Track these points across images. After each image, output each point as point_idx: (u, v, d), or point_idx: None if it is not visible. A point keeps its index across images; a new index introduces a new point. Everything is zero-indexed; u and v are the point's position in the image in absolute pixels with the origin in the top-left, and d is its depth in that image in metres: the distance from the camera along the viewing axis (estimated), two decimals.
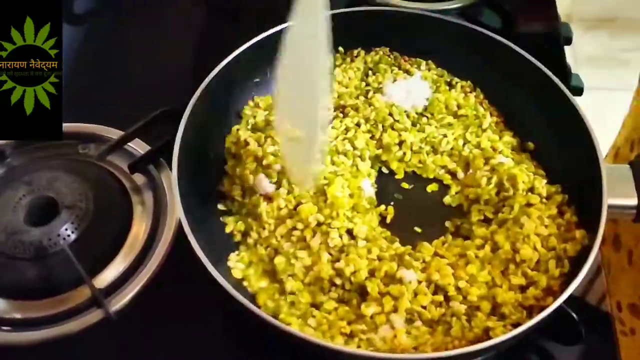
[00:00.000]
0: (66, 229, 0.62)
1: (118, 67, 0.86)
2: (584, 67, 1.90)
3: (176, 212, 0.66)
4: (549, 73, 0.68)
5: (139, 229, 0.66)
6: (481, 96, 0.75)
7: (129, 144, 0.71)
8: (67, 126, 0.67)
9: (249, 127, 0.71)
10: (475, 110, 0.73)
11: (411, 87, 0.75)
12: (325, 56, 0.58)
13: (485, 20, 0.87)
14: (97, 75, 0.85)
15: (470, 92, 0.75)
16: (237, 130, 0.71)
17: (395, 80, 0.75)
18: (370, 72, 0.77)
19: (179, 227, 0.65)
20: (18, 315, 0.61)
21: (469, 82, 0.76)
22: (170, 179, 0.68)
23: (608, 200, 0.59)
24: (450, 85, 0.76)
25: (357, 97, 0.74)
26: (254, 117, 0.72)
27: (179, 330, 0.62)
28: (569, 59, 0.83)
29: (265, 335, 0.56)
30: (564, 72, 0.73)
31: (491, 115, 0.73)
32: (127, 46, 0.89)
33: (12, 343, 0.59)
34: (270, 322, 0.53)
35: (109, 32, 0.91)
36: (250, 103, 0.74)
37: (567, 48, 0.85)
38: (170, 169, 0.69)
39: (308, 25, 0.58)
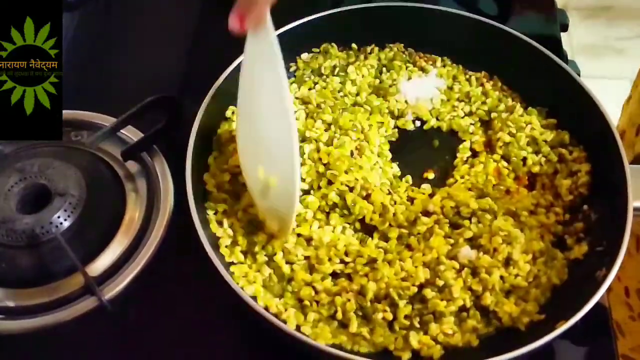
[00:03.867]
0: (59, 217, 0.62)
1: (110, 54, 0.85)
2: (580, 55, 1.90)
3: (169, 199, 0.66)
4: (574, 74, 0.68)
5: (132, 217, 0.66)
6: (499, 83, 0.75)
7: (121, 131, 0.70)
8: None
9: None
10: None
11: (426, 84, 0.74)
12: (286, 94, 0.55)
13: (482, 7, 0.86)
14: (90, 63, 0.84)
15: (488, 81, 0.75)
16: (233, 112, 0.70)
17: (410, 77, 0.75)
18: (384, 69, 0.76)
19: (173, 214, 0.65)
20: (11, 303, 0.60)
21: (483, 72, 0.76)
22: (164, 166, 0.68)
23: (633, 202, 0.58)
24: (466, 80, 0.76)
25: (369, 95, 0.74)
26: None
27: (172, 317, 0.62)
28: (565, 47, 0.83)
29: (265, 330, 0.56)
30: (561, 59, 0.72)
31: (513, 100, 0.73)
32: (119, 33, 0.88)
33: (5, 331, 0.59)
34: (288, 332, 0.53)
35: (102, 19, 0.90)
36: None
37: (563, 36, 0.84)
38: (164, 157, 0.69)
39: (262, 64, 0.55)
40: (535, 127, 0.69)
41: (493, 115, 0.72)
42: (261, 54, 0.55)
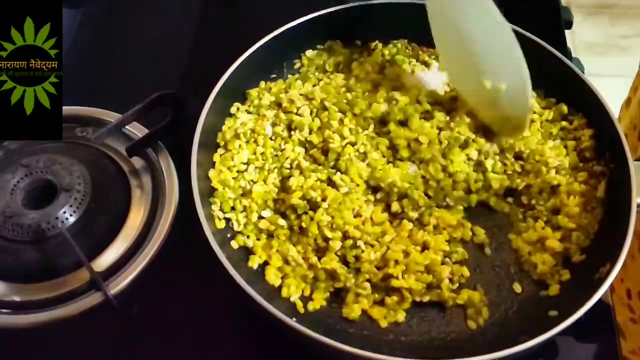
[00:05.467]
0: (64, 212, 0.62)
1: (115, 50, 0.85)
2: (584, 53, 1.90)
3: (175, 195, 0.66)
4: (579, 71, 0.69)
5: (138, 213, 0.66)
6: None
7: (126, 127, 0.70)
8: (65, 109, 0.66)
9: (252, 108, 0.71)
10: None
11: (429, 78, 0.74)
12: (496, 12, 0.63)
13: None
14: (95, 58, 0.84)
15: None
16: (238, 109, 0.70)
17: (413, 71, 0.75)
18: (387, 64, 0.76)
19: (178, 210, 0.65)
20: (17, 298, 0.61)
21: None
22: (169, 163, 0.68)
23: (637, 198, 0.59)
24: None
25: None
26: (260, 99, 0.71)
27: (178, 312, 0.62)
28: (569, 44, 0.83)
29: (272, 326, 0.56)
30: (565, 56, 0.72)
31: None
32: (124, 29, 0.88)
33: (10, 326, 0.59)
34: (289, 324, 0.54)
35: (106, 14, 0.90)
36: (262, 84, 0.73)
37: (566, 34, 0.84)
38: (169, 153, 0.69)
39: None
40: (538, 114, 0.70)
41: None
42: None
